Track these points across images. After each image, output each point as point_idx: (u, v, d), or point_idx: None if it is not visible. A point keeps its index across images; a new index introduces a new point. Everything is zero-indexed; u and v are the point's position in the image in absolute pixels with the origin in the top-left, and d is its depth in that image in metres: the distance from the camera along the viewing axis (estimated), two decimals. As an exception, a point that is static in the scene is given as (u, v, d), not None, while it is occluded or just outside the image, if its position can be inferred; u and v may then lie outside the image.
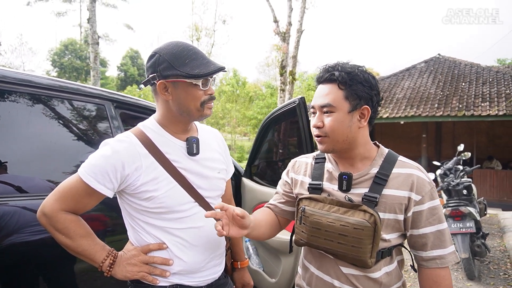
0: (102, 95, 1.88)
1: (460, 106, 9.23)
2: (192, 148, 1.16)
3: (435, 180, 4.81)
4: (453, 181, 4.32)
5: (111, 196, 1.08)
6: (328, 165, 1.18)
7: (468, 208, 3.96)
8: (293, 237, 1.22)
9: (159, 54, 1.09)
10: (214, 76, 1.13)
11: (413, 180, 1.05)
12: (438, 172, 4.74)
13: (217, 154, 1.29)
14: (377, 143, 1.18)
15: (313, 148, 1.94)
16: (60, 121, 1.68)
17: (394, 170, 1.07)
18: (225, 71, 1.14)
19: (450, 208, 4.03)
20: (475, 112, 8.79)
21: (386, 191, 1.05)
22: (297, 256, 2.00)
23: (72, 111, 1.75)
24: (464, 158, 4.89)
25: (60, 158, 1.64)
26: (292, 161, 1.33)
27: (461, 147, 5.01)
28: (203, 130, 1.31)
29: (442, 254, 1.04)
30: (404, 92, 10.88)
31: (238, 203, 2.64)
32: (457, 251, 3.90)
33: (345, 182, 1.09)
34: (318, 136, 1.10)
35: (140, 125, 1.17)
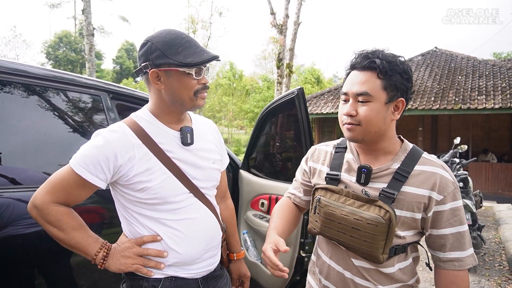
0: (98, 86, 1.85)
1: (457, 99, 9.25)
2: (186, 138, 1.14)
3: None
4: (449, 174, 4.33)
5: (103, 187, 1.06)
6: (349, 156, 1.15)
7: (465, 200, 3.99)
8: (308, 225, 1.20)
9: (151, 42, 1.06)
10: (207, 65, 1.11)
11: (436, 179, 1.01)
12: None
13: (212, 145, 1.27)
14: (402, 137, 1.14)
15: (311, 140, 1.93)
16: (55, 112, 1.65)
17: (417, 167, 1.03)
18: (219, 59, 1.11)
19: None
20: (471, 105, 8.81)
21: (405, 188, 1.02)
22: (294, 248, 1.99)
23: (67, 102, 1.72)
24: (460, 151, 4.90)
25: (54, 150, 1.61)
26: (312, 148, 1.30)
27: (457, 140, 5.03)
28: (197, 120, 1.28)
29: (461, 257, 1.01)
30: (401, 85, 10.86)
31: (236, 195, 2.63)
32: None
33: (364, 175, 1.06)
34: (349, 124, 1.04)
35: (133, 115, 1.15)
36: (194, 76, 1.07)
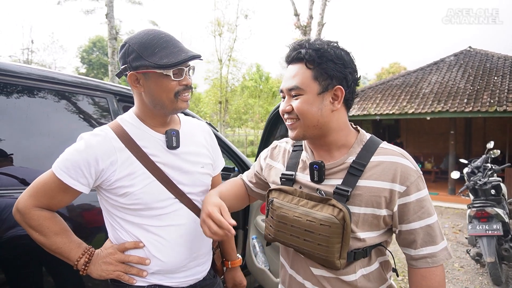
0: (104, 88, 1.86)
1: (492, 101, 8.73)
2: (172, 141, 1.10)
3: (462, 179, 4.58)
4: (480, 180, 4.07)
5: (87, 192, 1.04)
6: (304, 154, 1.08)
7: (496, 209, 3.73)
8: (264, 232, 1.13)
9: (129, 44, 1.03)
10: (191, 64, 1.06)
11: (396, 169, 0.92)
12: (465, 170, 4.49)
13: (202, 148, 1.22)
14: (358, 128, 1.05)
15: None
16: (60, 115, 1.67)
17: (373, 158, 0.96)
18: (201, 59, 1.06)
19: (475, 209, 3.81)
20: (508, 108, 8.28)
21: (362, 183, 0.94)
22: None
23: (73, 104, 1.74)
24: (493, 156, 4.61)
25: (58, 152, 1.63)
26: (274, 143, 1.24)
27: (490, 145, 4.73)
28: (187, 122, 1.24)
29: (433, 252, 0.94)
30: (431, 86, 10.42)
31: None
32: (482, 254, 3.69)
33: (316, 172, 0.98)
34: (288, 120, 1.00)
35: (119, 118, 1.13)
36: (172, 77, 1.02)
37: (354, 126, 1.05)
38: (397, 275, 1.07)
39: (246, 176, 1.29)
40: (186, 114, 1.99)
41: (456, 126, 9.82)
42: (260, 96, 29.72)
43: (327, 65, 0.94)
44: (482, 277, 3.98)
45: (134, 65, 1.02)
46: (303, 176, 1.04)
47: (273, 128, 2.38)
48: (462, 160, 5.02)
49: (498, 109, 8.37)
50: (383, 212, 0.93)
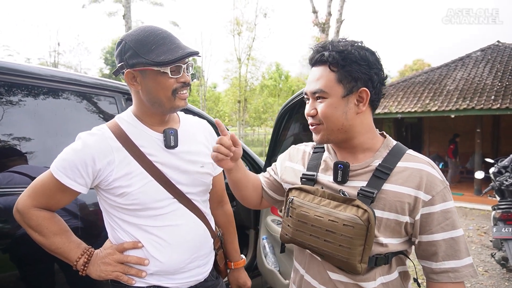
0: (112, 87, 1.87)
1: (522, 97, 8.32)
2: (170, 140, 1.08)
3: (488, 179, 4.37)
4: (507, 180, 3.88)
5: (85, 192, 1.04)
6: (326, 154, 1.06)
7: (524, 213, 3.53)
8: (280, 232, 1.09)
9: (125, 41, 1.01)
10: (188, 61, 1.04)
11: (422, 177, 0.89)
12: (492, 170, 4.29)
13: (202, 147, 1.20)
14: (384, 133, 1.02)
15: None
16: (69, 114, 1.68)
17: (400, 164, 0.93)
18: (199, 56, 1.03)
19: (500, 211, 3.63)
20: (539, 104, 7.87)
21: (387, 186, 0.91)
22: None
23: (81, 103, 1.75)
24: (522, 156, 4.38)
25: (61, 151, 1.64)
26: (291, 147, 1.22)
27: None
28: (187, 121, 1.22)
29: (456, 267, 0.88)
30: (456, 83, 10.05)
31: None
32: (508, 258, 3.51)
33: (341, 172, 0.96)
34: (313, 124, 0.99)
35: (117, 118, 1.12)
36: (170, 74, 1.00)
37: (380, 132, 1.03)
38: (419, 286, 1.00)
39: (262, 176, 1.28)
40: (192, 111, 1.97)
41: (483, 124, 9.42)
42: (280, 95, 29.62)
43: (351, 67, 0.92)
44: (509, 283, 3.79)
45: (131, 63, 1.00)
46: (325, 177, 1.02)
47: (282, 127, 2.33)
48: (488, 159, 4.80)
49: (528, 106, 7.96)
50: (406, 219, 0.90)
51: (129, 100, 1.94)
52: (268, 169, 1.27)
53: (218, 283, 1.27)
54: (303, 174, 1.07)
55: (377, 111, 10.63)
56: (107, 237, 1.13)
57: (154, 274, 1.08)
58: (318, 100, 0.96)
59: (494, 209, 3.82)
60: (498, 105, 8.33)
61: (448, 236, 0.89)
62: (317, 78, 0.95)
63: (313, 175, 1.04)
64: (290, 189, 1.05)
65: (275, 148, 2.43)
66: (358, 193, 0.92)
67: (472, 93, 9.20)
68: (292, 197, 1.02)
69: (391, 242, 0.92)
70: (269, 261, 2.20)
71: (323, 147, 1.10)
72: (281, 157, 1.23)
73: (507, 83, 9.13)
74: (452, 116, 9.27)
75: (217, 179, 1.30)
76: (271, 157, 2.48)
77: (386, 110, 10.28)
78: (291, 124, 2.37)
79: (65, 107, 1.68)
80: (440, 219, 0.88)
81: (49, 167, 1.02)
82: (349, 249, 0.87)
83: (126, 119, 1.10)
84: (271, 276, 2.16)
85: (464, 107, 8.72)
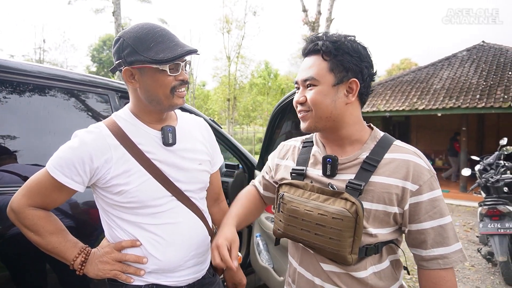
0: (106, 85, 1.85)
1: (506, 97, 8.51)
2: (168, 138, 1.07)
3: (474, 176, 4.47)
4: (492, 177, 3.97)
5: (82, 190, 1.03)
6: (315, 149, 1.07)
7: (508, 207, 3.64)
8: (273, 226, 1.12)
9: (123, 39, 1.00)
10: (187, 59, 1.04)
11: (409, 167, 0.91)
12: (477, 167, 4.40)
13: (200, 145, 1.19)
14: (372, 125, 1.04)
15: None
16: (61, 111, 1.66)
17: (387, 155, 0.95)
18: (198, 53, 1.03)
19: (487, 207, 3.73)
20: (522, 103, 8.07)
21: (374, 178, 0.93)
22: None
23: (74, 101, 1.73)
24: (506, 153, 4.49)
25: (57, 148, 1.62)
26: (281, 144, 1.23)
27: (503, 141, 4.61)
28: (184, 119, 1.21)
29: (445, 253, 0.91)
30: (442, 82, 10.22)
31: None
32: (494, 253, 3.60)
33: (329, 166, 0.97)
34: (301, 112, 1.00)
35: (113, 115, 1.11)
36: (169, 72, 1.00)
37: (367, 124, 1.05)
38: (408, 273, 1.04)
39: (256, 181, 1.29)
40: (187, 110, 1.97)
41: (469, 122, 9.62)
42: (269, 93, 29.64)
43: (344, 57, 0.94)
44: (494, 277, 3.89)
45: (129, 60, 0.99)
46: (314, 171, 1.03)
47: (276, 125, 2.34)
48: (474, 157, 4.91)
49: (512, 105, 8.16)
50: (395, 209, 0.92)
51: (122, 98, 1.92)
52: (262, 171, 1.28)
53: (215, 280, 1.27)
54: (292, 169, 1.08)
55: (366, 109, 10.77)
56: (99, 236, 1.12)
57: (153, 272, 1.08)
58: (309, 88, 0.97)
59: (480, 206, 3.92)
60: (483, 104, 8.51)
61: (436, 224, 0.91)
62: (309, 66, 0.97)
63: (303, 170, 1.05)
64: (281, 185, 1.07)
65: (269, 147, 2.44)
66: (346, 186, 0.94)
67: (458, 92, 9.38)
68: (283, 193, 1.03)
69: (380, 232, 0.94)
70: (263, 258, 2.21)
71: (312, 142, 1.11)
72: (271, 156, 1.25)
73: (491, 83, 9.34)
74: (439, 114, 9.43)
75: (213, 176, 1.30)
76: (264, 156, 2.49)
77: (374, 109, 10.39)
78: (284, 122, 2.38)
79: (58, 105, 1.65)
80: (428, 208, 0.91)
81: (39, 165, 1.00)
82: (339, 241, 0.90)
83: (124, 116, 1.10)
84: (265, 273, 2.17)
85: (450, 106, 8.88)
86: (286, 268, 2.02)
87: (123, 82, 1.99)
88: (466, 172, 4.51)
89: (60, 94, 1.68)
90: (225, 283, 1.41)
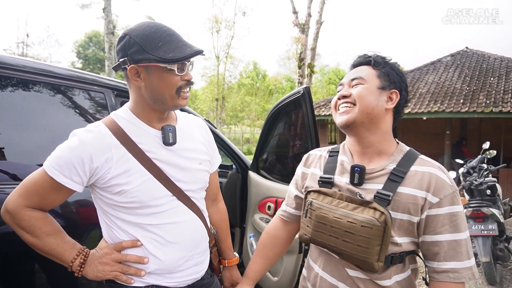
0: (102, 83, 1.83)
1: (488, 102, 8.77)
2: (168, 137, 1.07)
3: (457, 179, 4.59)
4: (476, 180, 4.09)
5: (80, 190, 1.01)
6: (342, 157, 1.11)
7: (491, 209, 3.75)
8: (299, 231, 1.15)
9: (130, 36, 0.99)
10: (192, 59, 1.04)
11: (431, 180, 0.96)
12: (461, 170, 4.51)
13: (199, 144, 1.20)
14: (397, 140, 1.10)
15: (317, 140, 1.84)
16: (57, 109, 1.64)
17: (413, 168, 0.99)
18: (203, 54, 1.03)
19: (471, 209, 3.82)
20: (503, 109, 8.32)
21: (401, 189, 0.97)
22: (299, 255, 1.90)
23: (69, 98, 1.70)
24: (488, 157, 4.63)
25: (55, 147, 1.60)
26: (306, 155, 1.27)
27: (486, 145, 4.75)
28: (183, 118, 1.21)
29: (456, 267, 0.94)
30: (427, 86, 10.46)
31: (245, 197, 2.56)
32: (477, 254, 3.71)
33: (357, 175, 1.01)
34: (343, 105, 1.06)
35: (112, 114, 1.09)
36: (176, 72, 1.00)
37: (394, 138, 1.11)
38: (427, 284, 1.04)
39: (284, 205, 1.30)
40: (185, 110, 1.96)
41: (452, 126, 9.87)
42: (257, 94, 29.72)
43: (390, 71, 1.05)
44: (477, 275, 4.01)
45: (136, 58, 0.98)
46: (342, 179, 1.07)
47: (272, 127, 2.37)
48: (458, 160, 5.04)
49: (493, 110, 8.42)
50: (417, 219, 0.96)
51: (118, 96, 1.90)
52: (289, 191, 1.29)
53: (213, 281, 1.27)
54: (320, 177, 1.11)
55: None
56: (94, 236, 1.09)
57: (152, 273, 1.07)
58: (354, 86, 1.05)
59: (464, 208, 4.03)
60: (466, 109, 8.75)
61: (451, 238, 0.94)
62: (358, 70, 1.07)
63: (330, 178, 1.08)
64: (309, 192, 1.10)
65: (264, 148, 2.46)
66: (375, 196, 0.97)
67: (442, 97, 9.61)
68: (311, 200, 1.07)
69: (405, 241, 0.98)
70: (257, 259, 2.23)
71: (338, 151, 1.15)
72: (297, 170, 1.27)
73: (474, 88, 9.61)
74: (424, 118, 9.64)
75: (212, 176, 1.30)
76: (258, 156, 2.51)
77: (362, 111, 10.53)
78: (278, 124, 2.41)
79: (53, 102, 1.63)
80: (445, 221, 0.94)
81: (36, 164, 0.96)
82: (367, 249, 0.93)
83: (123, 115, 1.08)
84: (258, 273, 2.18)
85: (435, 110, 9.09)
86: (280, 269, 2.05)
87: (119, 80, 1.97)
88: (451, 175, 4.62)
89: (55, 91, 1.65)
90: (222, 284, 1.42)
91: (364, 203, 0.97)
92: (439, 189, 0.95)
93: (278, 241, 1.28)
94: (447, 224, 0.94)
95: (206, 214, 1.23)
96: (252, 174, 2.48)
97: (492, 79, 9.88)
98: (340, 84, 1.10)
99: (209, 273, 1.26)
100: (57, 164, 0.96)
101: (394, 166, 1.00)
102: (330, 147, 1.21)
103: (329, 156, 1.17)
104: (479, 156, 4.59)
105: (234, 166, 2.73)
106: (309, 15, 11.43)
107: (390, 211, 0.95)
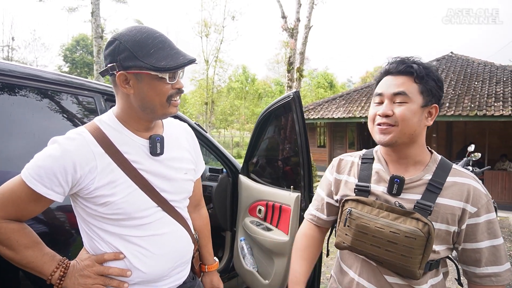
0: (91, 87, 1.82)
1: (472, 105, 8.99)
2: (156, 147, 1.03)
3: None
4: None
5: (60, 200, 0.96)
6: (377, 166, 1.11)
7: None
8: (335, 240, 1.15)
9: (120, 41, 0.94)
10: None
11: (470, 191, 0.99)
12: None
13: (186, 153, 1.17)
14: (429, 148, 1.11)
15: (307, 145, 1.85)
16: (45, 114, 1.62)
17: (449, 179, 1.02)
18: (196, 63, 1.01)
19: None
20: (487, 112, 8.55)
21: (439, 200, 0.99)
22: (289, 258, 1.91)
23: (57, 103, 1.69)
24: (474, 159, 4.74)
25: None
26: (336, 159, 1.26)
27: (471, 148, 4.87)
28: (170, 125, 1.18)
29: (498, 271, 0.98)
30: (414, 90, 10.64)
31: (235, 201, 2.56)
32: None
33: (397, 185, 1.02)
34: (384, 124, 1.02)
35: (97, 120, 1.03)
36: (167, 80, 0.96)
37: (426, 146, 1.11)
38: (461, 286, 1.09)
39: (314, 210, 1.29)
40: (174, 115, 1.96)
41: (438, 129, 10.07)
42: (246, 98, 29.80)
43: (431, 83, 1.01)
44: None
45: (126, 65, 0.94)
46: (378, 188, 1.07)
47: (262, 130, 2.38)
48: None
49: (478, 113, 8.63)
50: (454, 228, 0.99)
51: (108, 100, 1.89)
52: (318, 196, 1.29)
53: (195, 283, 1.26)
54: (356, 185, 1.11)
55: (343, 115, 11.02)
56: (73, 244, 1.03)
57: (136, 284, 1.04)
58: (397, 103, 1.01)
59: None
60: (452, 112, 8.95)
61: (490, 244, 0.98)
62: (400, 83, 1.02)
63: (367, 186, 1.09)
64: (347, 200, 1.10)
65: (254, 151, 2.47)
66: (415, 206, 0.99)
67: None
68: (350, 208, 1.07)
69: (441, 249, 1.01)
70: (248, 262, 2.23)
71: (372, 158, 1.15)
72: (328, 171, 1.26)
73: (459, 92, 9.83)
74: (411, 121, 9.78)
75: (196, 183, 1.27)
76: (248, 160, 2.52)
77: (350, 115, 10.68)
78: (268, 127, 2.42)
79: (41, 107, 1.61)
80: (484, 229, 0.98)
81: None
82: (410, 258, 0.96)
83: (108, 122, 1.03)
84: (250, 277, 2.19)
85: (421, 113, 9.25)
86: (271, 271, 2.06)
87: (108, 85, 1.96)
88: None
89: (43, 96, 1.63)
90: None
91: (406, 213, 0.98)
92: (477, 199, 0.98)
93: (317, 242, 1.28)
94: (485, 231, 0.98)
95: (190, 222, 1.20)
96: (243, 178, 2.49)
97: (476, 83, 10.13)
98: (379, 94, 1.05)
99: (191, 276, 1.24)
100: (36, 174, 0.90)
101: (431, 177, 1.02)
102: (361, 153, 1.20)
103: (362, 163, 1.16)
104: (465, 159, 4.70)
105: (224, 170, 2.73)
106: (298, 19, 11.54)
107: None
